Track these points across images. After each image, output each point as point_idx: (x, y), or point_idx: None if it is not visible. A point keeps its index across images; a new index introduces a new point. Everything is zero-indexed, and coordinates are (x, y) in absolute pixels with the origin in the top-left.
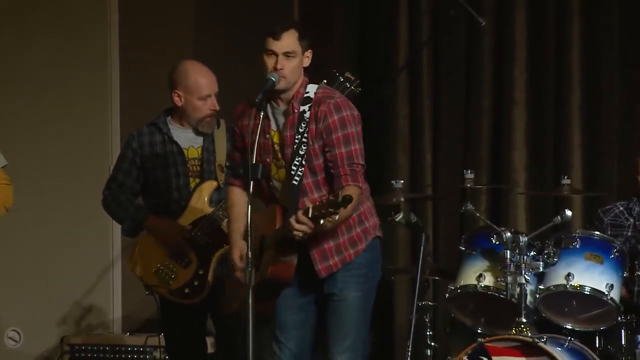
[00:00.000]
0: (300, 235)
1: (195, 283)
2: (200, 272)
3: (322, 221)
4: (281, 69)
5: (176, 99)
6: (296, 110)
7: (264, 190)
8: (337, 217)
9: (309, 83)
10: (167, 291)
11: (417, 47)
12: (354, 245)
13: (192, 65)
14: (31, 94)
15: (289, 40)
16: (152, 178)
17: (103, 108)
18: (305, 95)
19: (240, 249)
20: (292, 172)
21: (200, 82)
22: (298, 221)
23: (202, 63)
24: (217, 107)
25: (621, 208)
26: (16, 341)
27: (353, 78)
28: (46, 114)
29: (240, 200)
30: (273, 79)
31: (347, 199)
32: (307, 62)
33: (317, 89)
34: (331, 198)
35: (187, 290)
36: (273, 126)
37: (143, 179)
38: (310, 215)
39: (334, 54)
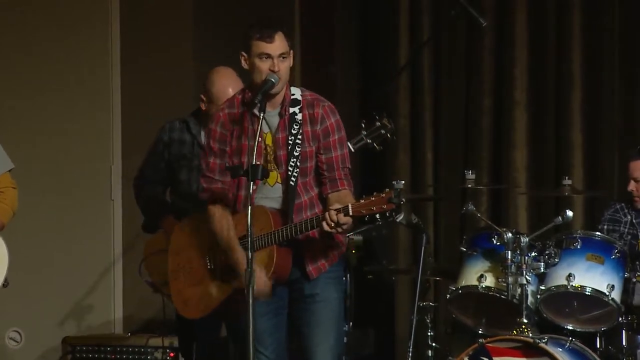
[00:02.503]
0: (343, 229)
1: None
2: None
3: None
4: (278, 70)
5: (201, 103)
6: (287, 113)
7: (239, 193)
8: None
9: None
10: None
11: (418, 47)
12: (338, 247)
13: (219, 74)
14: (32, 92)
15: (281, 42)
16: (176, 178)
17: (104, 107)
18: (292, 97)
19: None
20: (289, 173)
21: (221, 93)
22: (338, 222)
23: (226, 68)
24: None
25: (622, 204)
26: (17, 342)
27: (390, 125)
28: (47, 113)
29: (225, 213)
30: (272, 80)
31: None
32: (291, 62)
33: (303, 91)
34: (374, 198)
35: None
36: (265, 128)
37: (169, 175)
38: (351, 214)
39: (335, 53)
